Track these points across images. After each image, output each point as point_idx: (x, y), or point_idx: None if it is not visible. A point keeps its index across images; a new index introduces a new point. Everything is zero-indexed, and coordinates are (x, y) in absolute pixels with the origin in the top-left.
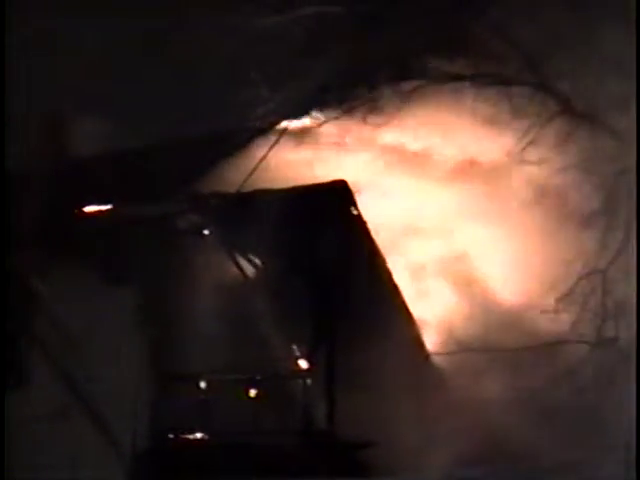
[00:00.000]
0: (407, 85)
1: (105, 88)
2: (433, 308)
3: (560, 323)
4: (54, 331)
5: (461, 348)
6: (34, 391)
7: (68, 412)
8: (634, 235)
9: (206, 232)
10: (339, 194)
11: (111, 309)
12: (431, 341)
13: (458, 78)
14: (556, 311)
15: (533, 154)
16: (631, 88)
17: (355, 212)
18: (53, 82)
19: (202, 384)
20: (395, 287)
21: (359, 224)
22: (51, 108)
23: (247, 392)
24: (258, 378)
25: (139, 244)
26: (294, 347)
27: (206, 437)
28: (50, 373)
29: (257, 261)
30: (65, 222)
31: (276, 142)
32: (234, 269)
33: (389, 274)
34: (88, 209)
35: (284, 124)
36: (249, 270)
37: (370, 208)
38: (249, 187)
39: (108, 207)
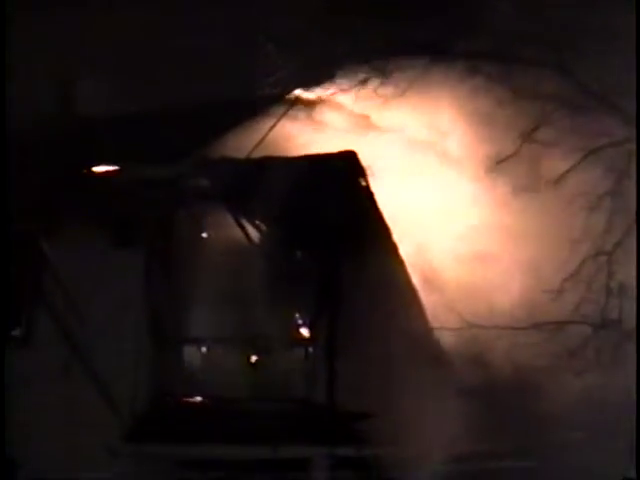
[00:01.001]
0: (421, 60)
1: (118, 51)
2: (438, 283)
3: (564, 303)
4: (59, 291)
5: (465, 324)
6: (37, 350)
7: (69, 372)
8: None
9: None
10: (348, 165)
11: (116, 271)
12: (434, 315)
13: (473, 56)
14: (561, 291)
15: (545, 135)
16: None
17: (364, 183)
18: (60, 44)
19: (203, 349)
20: (401, 260)
21: (367, 195)
22: (60, 70)
23: (248, 358)
24: (260, 345)
25: (147, 207)
26: (297, 315)
27: (205, 401)
28: (53, 333)
29: (263, 227)
30: (73, 183)
31: (287, 111)
32: (240, 235)
33: (395, 247)
34: (97, 170)
35: (296, 93)
36: (255, 236)
37: (378, 180)
38: (259, 154)
39: (116, 168)
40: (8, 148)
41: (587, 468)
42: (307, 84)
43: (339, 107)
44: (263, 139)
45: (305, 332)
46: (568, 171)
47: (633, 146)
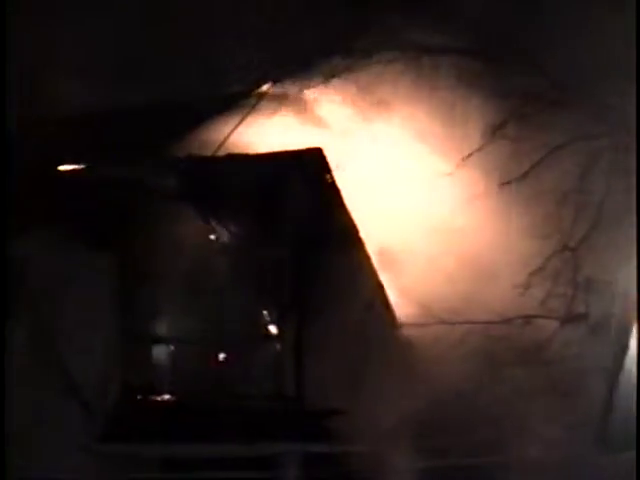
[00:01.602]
0: (386, 56)
1: (83, 49)
2: (405, 279)
3: (531, 298)
4: (27, 293)
5: (432, 320)
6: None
7: (37, 372)
8: (606, 214)
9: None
10: (315, 162)
11: (84, 271)
12: (402, 312)
13: (438, 51)
14: (527, 286)
15: (514, 130)
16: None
17: (330, 180)
18: (29, 43)
19: (171, 347)
20: (367, 257)
21: (334, 192)
22: (27, 69)
23: (216, 356)
24: (228, 342)
25: (114, 206)
26: (264, 312)
27: (174, 400)
28: (22, 334)
29: (231, 226)
30: (39, 183)
31: (253, 107)
32: (208, 233)
33: (362, 243)
34: (63, 169)
35: (263, 89)
36: (223, 235)
37: (345, 177)
38: (225, 151)
39: (82, 167)
40: None
41: (556, 460)
42: (274, 80)
43: (306, 104)
44: (228, 136)
45: (273, 329)
46: (534, 167)
47: (601, 142)
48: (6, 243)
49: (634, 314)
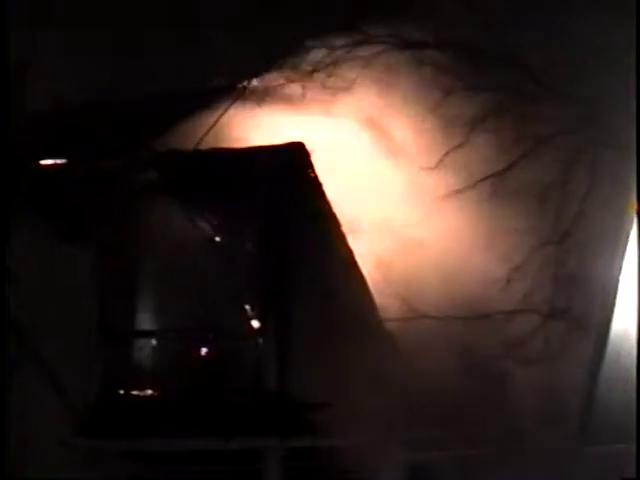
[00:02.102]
0: (368, 50)
1: (66, 41)
2: (387, 274)
3: (513, 293)
4: (8, 286)
5: (414, 315)
6: None
7: (19, 367)
8: (589, 208)
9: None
10: (296, 156)
11: (66, 265)
12: (384, 307)
13: (419, 45)
14: (509, 281)
15: (494, 124)
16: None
17: (312, 174)
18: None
19: (153, 342)
20: (350, 251)
21: (316, 187)
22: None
23: (198, 351)
24: (210, 337)
25: (95, 200)
26: (246, 307)
27: (156, 394)
28: (3, 328)
29: (213, 220)
30: (21, 177)
31: (235, 101)
32: (189, 227)
33: (344, 237)
34: (44, 163)
35: (244, 83)
36: (205, 228)
37: (326, 171)
38: (206, 145)
39: (63, 161)
40: None
41: (539, 454)
42: (255, 74)
43: (287, 98)
44: (209, 130)
45: (255, 323)
46: (516, 161)
47: (582, 137)
48: None
49: (613, 307)
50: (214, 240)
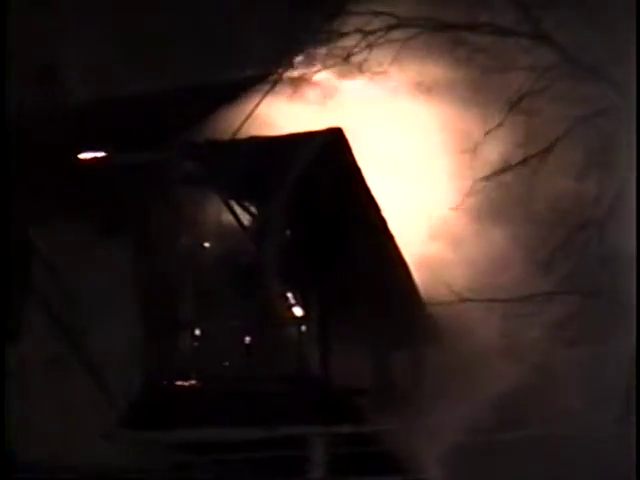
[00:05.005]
0: (403, 33)
1: (102, 36)
2: (429, 258)
3: (555, 274)
4: (50, 281)
5: (456, 298)
6: (30, 341)
7: (63, 361)
8: (632, 186)
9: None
10: (335, 142)
11: (107, 258)
12: (425, 290)
13: (454, 27)
14: (551, 262)
15: (531, 105)
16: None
17: (350, 160)
18: (50, 30)
19: (197, 331)
20: (390, 236)
21: (354, 172)
22: (46, 55)
23: (242, 340)
24: (253, 325)
25: (133, 193)
26: (289, 295)
27: (200, 384)
28: (46, 323)
29: (252, 209)
30: (62, 171)
31: (270, 89)
32: (229, 217)
33: (384, 222)
34: (83, 157)
35: (279, 72)
36: (244, 218)
37: (365, 157)
38: (244, 134)
39: (102, 155)
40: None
41: (583, 436)
42: (290, 62)
43: (323, 84)
44: (247, 119)
45: (297, 311)
46: (557, 140)
47: (620, 114)
48: (26, 230)
49: None
50: (253, 228)
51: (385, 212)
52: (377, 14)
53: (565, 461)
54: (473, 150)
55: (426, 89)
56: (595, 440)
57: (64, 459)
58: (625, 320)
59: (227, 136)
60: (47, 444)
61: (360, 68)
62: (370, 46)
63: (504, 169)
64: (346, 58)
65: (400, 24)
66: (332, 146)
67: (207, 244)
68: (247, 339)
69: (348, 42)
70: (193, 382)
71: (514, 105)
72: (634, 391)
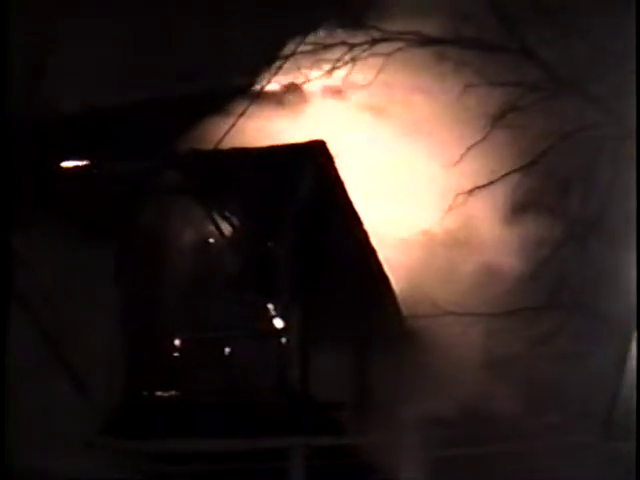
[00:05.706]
0: (388, 47)
1: (86, 45)
2: (410, 271)
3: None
4: (32, 286)
5: (437, 312)
6: (10, 346)
7: (44, 368)
8: (615, 202)
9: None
10: (318, 154)
11: (88, 267)
12: (407, 304)
13: (439, 42)
14: (535, 277)
15: (515, 119)
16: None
17: (333, 172)
18: (34, 37)
19: (177, 342)
20: (372, 249)
21: (337, 184)
22: (31, 64)
23: (222, 350)
24: (233, 336)
25: (116, 202)
26: (269, 306)
27: (180, 395)
28: (27, 328)
29: (234, 219)
30: (45, 178)
31: (254, 100)
32: (211, 227)
33: (366, 235)
34: (67, 165)
35: (263, 83)
36: (226, 228)
37: (348, 169)
38: (227, 145)
39: (86, 163)
40: None
41: (565, 450)
42: (274, 73)
43: (307, 96)
44: (230, 130)
45: (278, 323)
46: (540, 156)
47: (603, 130)
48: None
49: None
50: (234, 239)
51: (367, 225)
52: (362, 27)
53: (544, 476)
54: (455, 164)
55: (409, 103)
56: (574, 456)
57: (43, 467)
58: (609, 336)
59: (210, 146)
60: (27, 452)
61: (344, 81)
62: (354, 59)
63: (486, 184)
64: (330, 70)
65: (384, 37)
66: (315, 158)
67: (188, 255)
68: (227, 350)
69: (332, 55)
70: (173, 392)
71: (497, 120)
72: (615, 409)
